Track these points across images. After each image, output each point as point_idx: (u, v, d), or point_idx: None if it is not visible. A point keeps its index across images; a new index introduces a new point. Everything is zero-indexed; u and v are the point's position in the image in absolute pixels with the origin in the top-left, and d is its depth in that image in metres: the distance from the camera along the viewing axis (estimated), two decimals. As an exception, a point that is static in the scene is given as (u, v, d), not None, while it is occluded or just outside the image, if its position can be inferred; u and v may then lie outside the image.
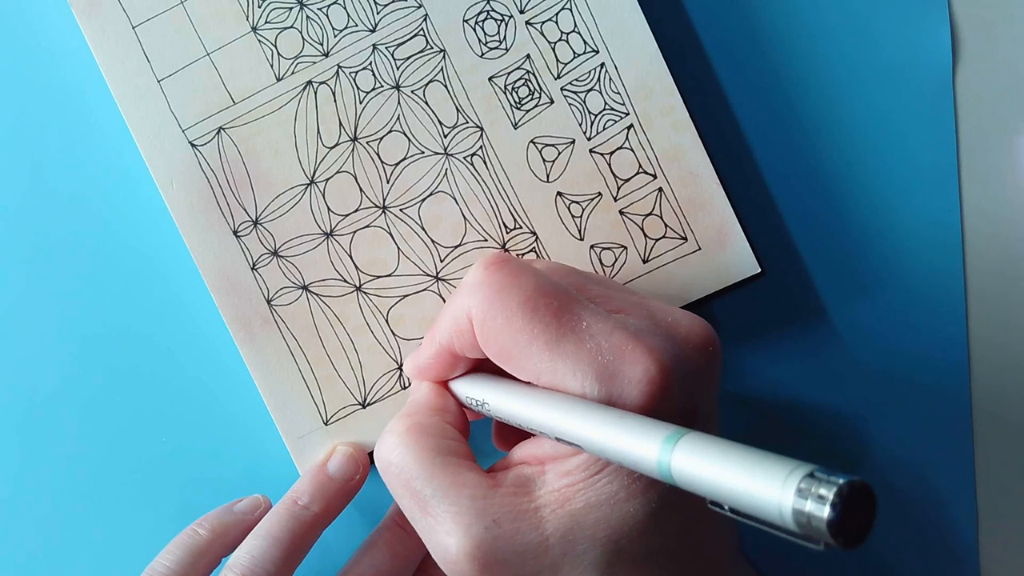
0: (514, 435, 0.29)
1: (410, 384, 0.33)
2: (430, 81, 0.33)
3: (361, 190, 0.34)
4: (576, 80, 0.34)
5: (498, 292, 0.26)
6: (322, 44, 0.33)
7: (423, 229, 0.34)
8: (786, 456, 0.19)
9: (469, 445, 0.29)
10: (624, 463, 0.23)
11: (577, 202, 0.34)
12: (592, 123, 0.34)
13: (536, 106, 0.34)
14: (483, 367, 0.30)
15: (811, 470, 0.18)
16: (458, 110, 0.34)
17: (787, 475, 0.18)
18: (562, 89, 0.34)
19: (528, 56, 0.34)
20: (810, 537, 0.18)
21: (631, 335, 0.25)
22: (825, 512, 0.18)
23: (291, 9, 0.33)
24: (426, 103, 0.34)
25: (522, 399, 0.26)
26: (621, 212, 0.34)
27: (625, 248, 0.34)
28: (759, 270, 0.33)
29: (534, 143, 0.34)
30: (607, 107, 0.34)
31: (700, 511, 0.26)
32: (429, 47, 0.33)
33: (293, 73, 0.33)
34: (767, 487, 0.19)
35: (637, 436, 0.22)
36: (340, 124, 0.33)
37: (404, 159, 0.34)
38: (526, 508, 0.26)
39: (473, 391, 0.29)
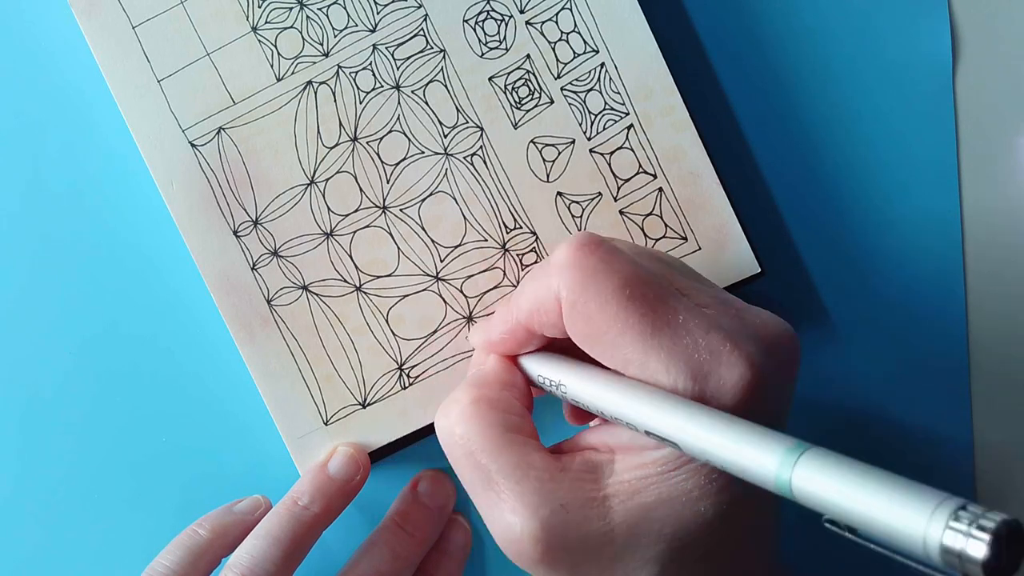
0: (586, 413, 0.29)
1: (409, 384, 0.33)
2: (430, 81, 0.34)
3: (361, 190, 0.34)
4: (576, 80, 0.34)
5: (592, 275, 0.26)
6: (322, 44, 0.33)
7: (423, 229, 0.34)
8: (930, 486, 0.19)
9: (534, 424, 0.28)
10: (730, 470, 0.22)
11: (577, 202, 0.34)
12: (592, 123, 0.34)
13: (536, 106, 0.34)
14: (554, 346, 0.29)
15: (963, 503, 0.18)
16: (458, 110, 0.34)
17: (936, 508, 0.18)
18: (562, 89, 0.34)
19: (528, 56, 0.34)
20: (949, 571, 0.18)
21: (727, 336, 0.25)
22: (982, 553, 0.17)
23: (291, 9, 0.33)
24: (426, 103, 0.34)
25: (610, 388, 0.26)
26: (621, 212, 0.34)
27: (625, 248, 0.34)
28: (759, 270, 0.33)
29: (534, 143, 0.34)
30: (607, 107, 0.34)
31: (761, 516, 0.26)
32: (429, 47, 0.33)
33: (293, 73, 0.33)
34: (913, 518, 0.18)
35: (755, 446, 0.22)
36: (340, 124, 0.33)
37: (404, 159, 0.34)
38: (594, 496, 0.25)
39: (549, 371, 0.28)
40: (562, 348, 0.28)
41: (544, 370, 0.29)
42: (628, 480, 0.25)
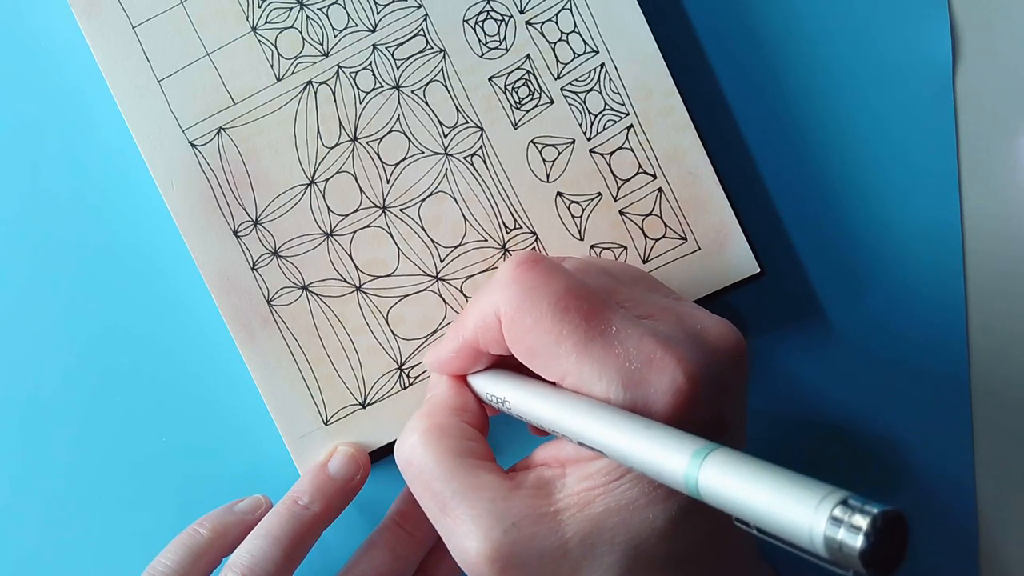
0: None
1: (409, 384, 0.33)
2: (430, 81, 0.34)
3: (361, 190, 0.34)
4: (576, 80, 0.34)
5: (529, 291, 0.26)
6: (322, 44, 0.33)
7: (423, 229, 0.34)
8: (819, 480, 0.19)
9: (488, 444, 0.29)
10: (648, 473, 0.22)
11: (577, 202, 0.34)
12: (592, 123, 0.34)
13: (536, 106, 0.34)
14: (505, 363, 0.30)
15: (845, 497, 0.18)
16: (458, 110, 0.34)
17: (819, 501, 0.18)
18: (562, 89, 0.34)
19: (528, 56, 0.34)
20: (839, 564, 0.18)
21: (660, 342, 0.25)
22: (858, 542, 0.18)
23: (291, 9, 0.33)
24: (426, 103, 0.34)
25: (545, 400, 0.26)
26: (621, 212, 0.34)
27: (625, 248, 0.34)
28: (759, 270, 0.33)
29: (534, 143, 0.34)
30: (607, 107, 0.34)
31: (722, 519, 0.26)
32: (429, 47, 0.33)
33: (293, 73, 0.33)
34: (798, 512, 0.19)
35: (664, 448, 0.22)
36: (340, 124, 0.33)
37: (404, 159, 0.34)
38: (546, 511, 0.26)
39: (495, 388, 0.29)
40: (515, 366, 0.29)
41: (490, 387, 0.29)
42: (577, 492, 0.26)
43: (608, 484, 0.25)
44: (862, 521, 0.18)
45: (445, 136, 0.34)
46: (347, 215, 0.34)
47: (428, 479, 0.27)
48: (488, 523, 0.26)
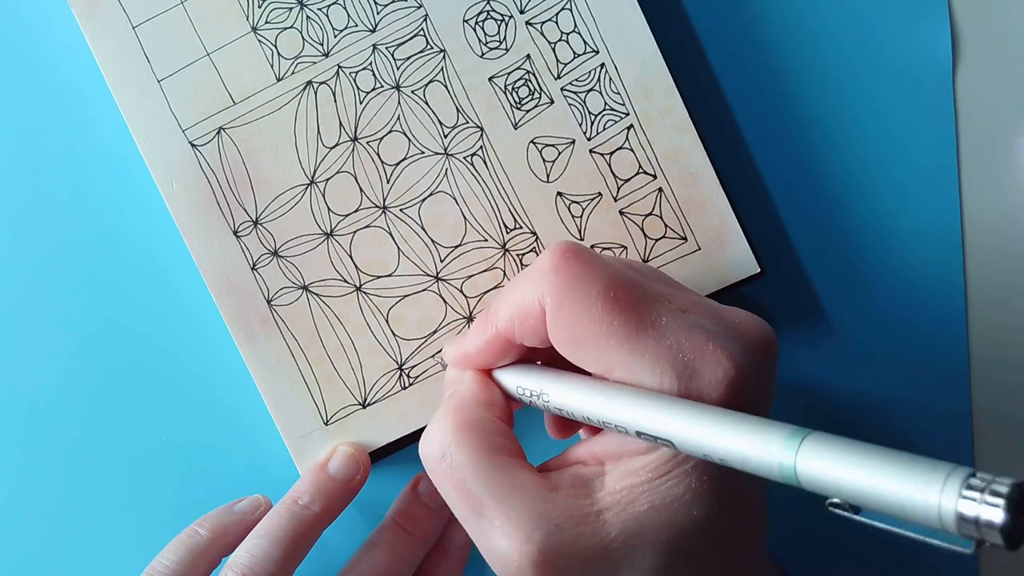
0: (570, 424, 0.29)
1: (409, 384, 0.33)
2: (430, 81, 0.34)
3: (361, 190, 0.34)
4: (576, 80, 0.34)
5: (576, 280, 0.26)
6: (322, 44, 0.33)
7: (423, 229, 0.34)
8: (934, 458, 0.19)
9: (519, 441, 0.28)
10: (730, 462, 0.22)
11: (577, 202, 0.34)
12: (592, 123, 0.34)
13: (536, 106, 0.34)
14: (530, 356, 0.29)
15: (971, 471, 0.18)
16: (458, 110, 0.34)
17: (947, 477, 0.18)
18: (562, 89, 0.34)
19: (528, 56, 0.34)
20: (961, 541, 0.18)
21: (710, 336, 0.25)
22: (999, 517, 0.18)
23: (291, 9, 0.33)
24: (426, 103, 0.34)
25: (597, 392, 0.25)
26: (621, 212, 0.34)
27: (625, 248, 0.34)
28: (759, 270, 0.33)
29: (534, 143, 0.34)
30: (607, 107, 0.34)
31: (749, 514, 0.26)
32: (429, 47, 0.33)
33: (293, 73, 0.33)
34: (925, 490, 0.18)
35: (754, 436, 0.22)
36: (340, 124, 0.33)
37: (404, 159, 0.34)
38: (588, 511, 0.25)
39: (529, 382, 0.28)
40: (542, 360, 0.28)
41: (524, 381, 0.28)
42: (620, 490, 0.25)
43: (653, 480, 0.25)
44: (999, 496, 0.18)
45: (445, 136, 0.34)
46: (347, 215, 0.34)
47: (462, 478, 0.26)
48: (530, 525, 0.25)
